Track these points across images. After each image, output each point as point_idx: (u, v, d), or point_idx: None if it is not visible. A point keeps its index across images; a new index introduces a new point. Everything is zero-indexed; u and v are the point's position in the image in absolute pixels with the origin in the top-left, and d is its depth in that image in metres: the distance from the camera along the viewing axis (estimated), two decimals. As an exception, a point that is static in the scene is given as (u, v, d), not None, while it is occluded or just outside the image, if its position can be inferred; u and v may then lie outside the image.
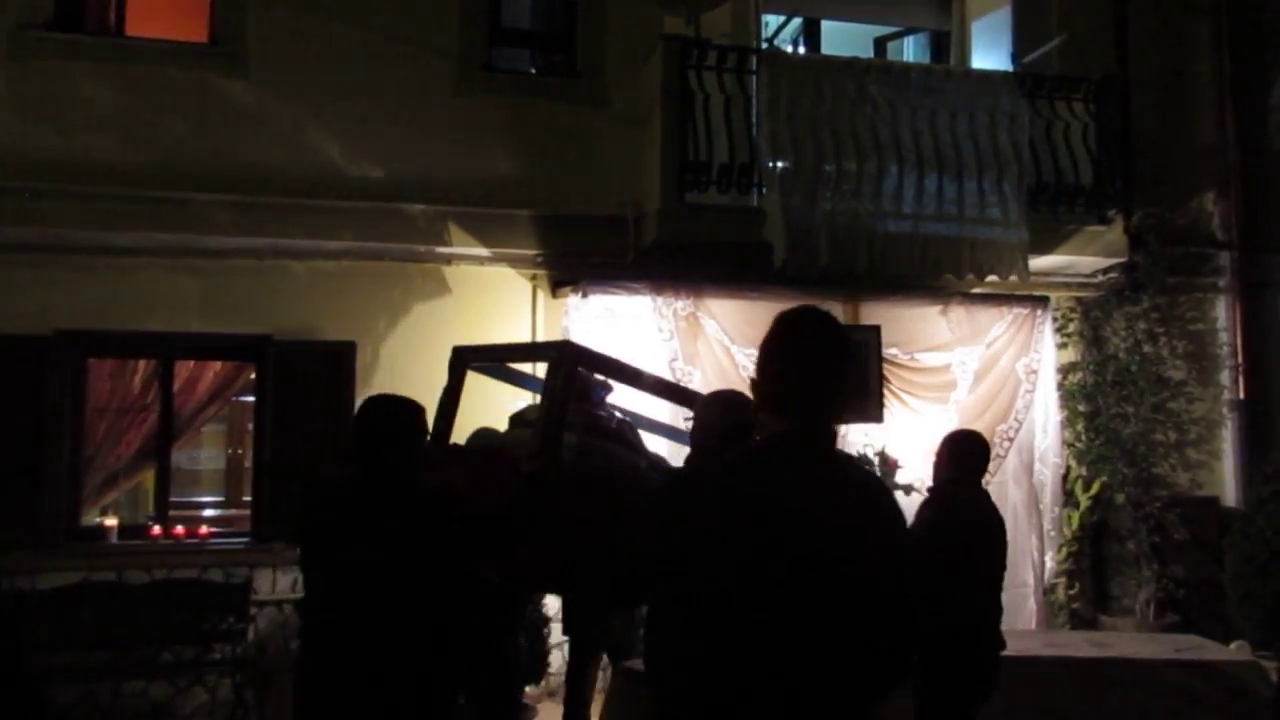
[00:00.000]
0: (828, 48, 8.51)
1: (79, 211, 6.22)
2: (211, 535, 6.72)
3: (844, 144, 6.72)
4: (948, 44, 8.51)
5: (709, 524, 2.05)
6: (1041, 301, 7.52)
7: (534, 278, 7.04)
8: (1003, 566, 4.38)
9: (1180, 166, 8.15)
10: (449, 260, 6.91)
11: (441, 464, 3.97)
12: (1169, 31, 8.28)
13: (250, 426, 7.18)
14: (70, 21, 6.57)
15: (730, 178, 6.62)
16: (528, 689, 6.16)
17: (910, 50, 8.95)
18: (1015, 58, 7.85)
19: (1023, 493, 7.26)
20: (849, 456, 2.30)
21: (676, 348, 6.78)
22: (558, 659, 6.59)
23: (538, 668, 6.36)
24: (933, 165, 6.84)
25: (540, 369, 5.35)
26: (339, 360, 6.67)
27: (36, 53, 6.40)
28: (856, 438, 6.89)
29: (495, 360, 5.61)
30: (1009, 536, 4.45)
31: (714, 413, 3.66)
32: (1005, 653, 4.29)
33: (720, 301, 6.84)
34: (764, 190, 6.69)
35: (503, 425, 5.04)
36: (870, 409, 6.93)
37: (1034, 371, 7.38)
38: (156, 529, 6.56)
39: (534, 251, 6.96)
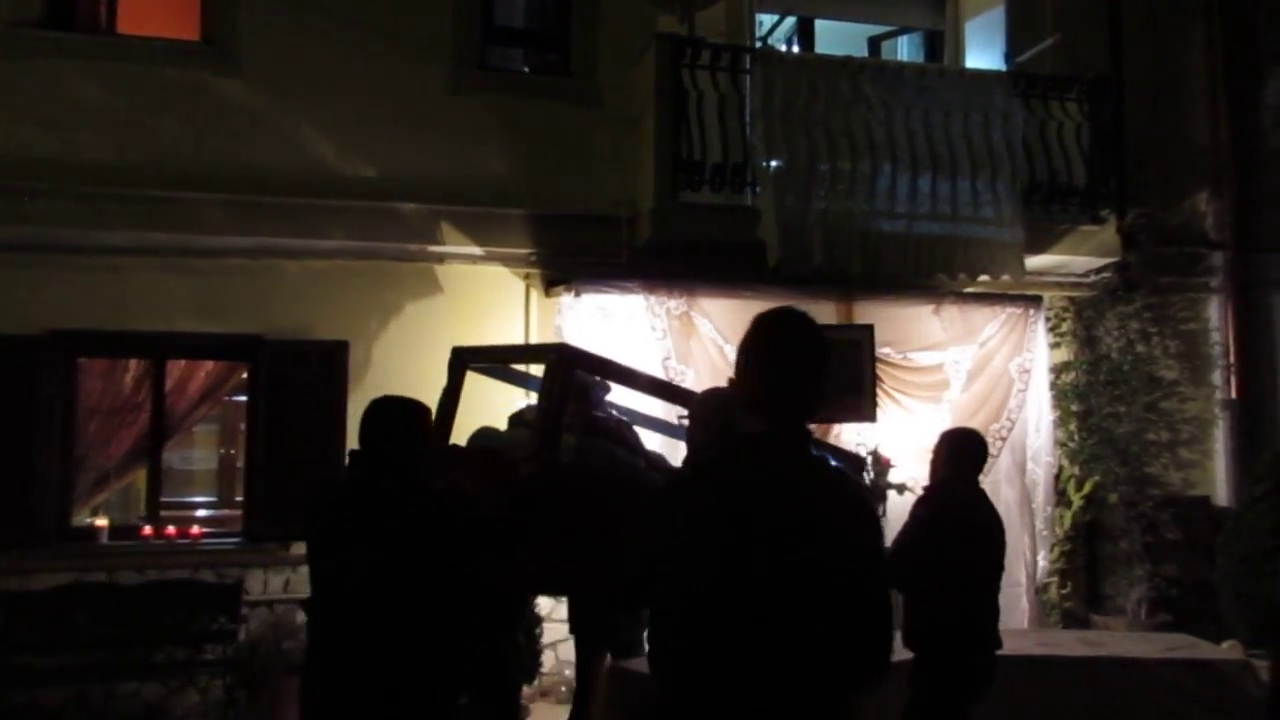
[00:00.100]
0: (822, 47, 8.51)
1: (70, 210, 6.19)
2: (203, 536, 6.70)
3: (838, 143, 6.72)
4: (942, 43, 8.52)
5: (687, 523, 2.10)
6: (1034, 301, 7.54)
7: (527, 277, 7.03)
8: (1000, 566, 4.39)
9: (1173, 166, 8.16)
10: (442, 259, 6.89)
11: (443, 465, 3.98)
12: (1162, 31, 8.29)
13: (242, 426, 7.15)
14: (61, 20, 6.53)
15: (724, 177, 6.61)
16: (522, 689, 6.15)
17: (904, 50, 8.96)
18: (1009, 57, 7.85)
19: (1015, 492, 7.28)
20: (823, 458, 2.32)
21: (670, 347, 6.78)
22: (551, 659, 6.60)
23: (530, 667, 6.35)
24: (926, 165, 6.84)
25: (539, 369, 5.35)
26: (332, 360, 6.66)
27: (27, 51, 6.36)
28: (850, 437, 6.89)
29: (494, 361, 5.62)
30: (1002, 536, 4.46)
31: (712, 411, 3.66)
32: (998, 652, 4.29)
33: (714, 301, 6.84)
34: (758, 189, 6.69)
35: (503, 425, 5.04)
36: (864, 408, 6.93)
37: (1027, 371, 7.40)
38: (148, 529, 6.54)
39: (527, 250, 6.94)
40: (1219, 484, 7.98)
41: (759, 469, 2.12)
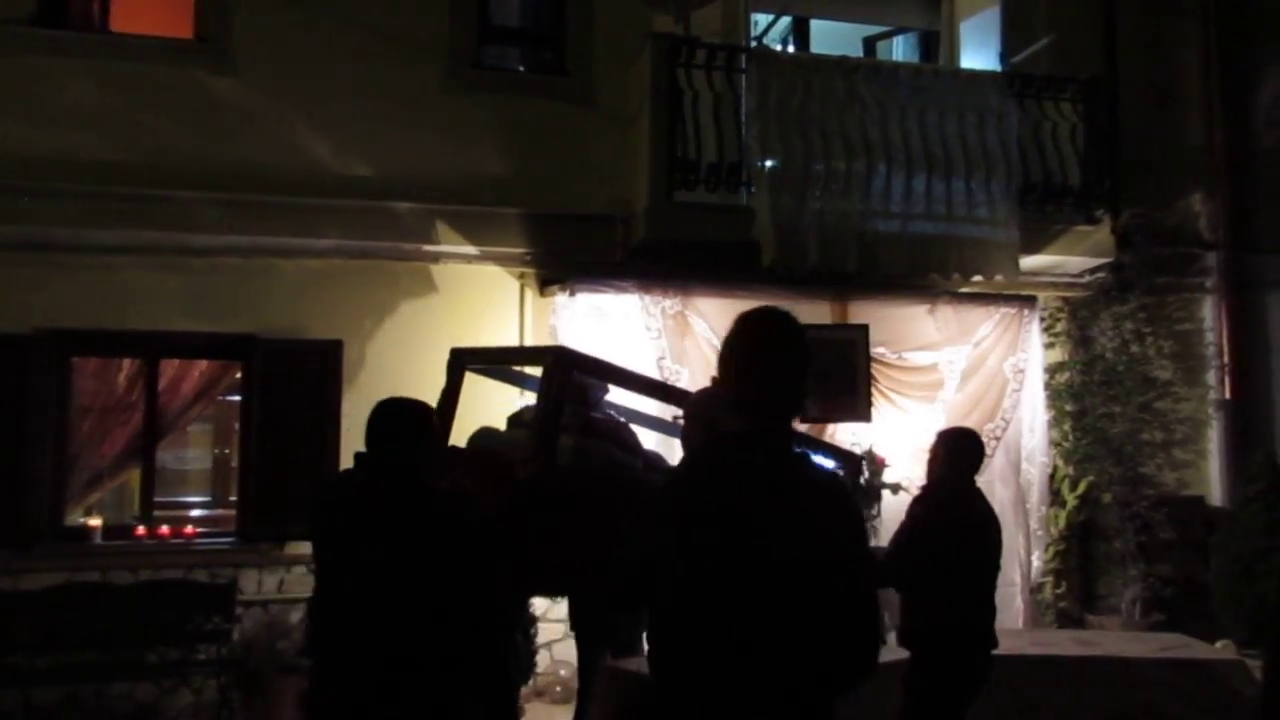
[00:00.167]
0: (817, 47, 8.52)
1: (63, 209, 6.17)
2: (197, 535, 6.67)
3: (833, 143, 6.72)
4: (937, 44, 8.53)
5: (672, 522, 2.11)
6: (1029, 301, 7.54)
7: (522, 276, 7.02)
8: (996, 565, 4.39)
9: (1168, 167, 8.18)
10: (437, 259, 6.88)
11: (444, 466, 3.98)
12: (1156, 32, 8.30)
13: (237, 426, 7.14)
14: (54, 17, 6.50)
15: (719, 176, 6.61)
16: (515, 689, 6.15)
17: (899, 50, 8.96)
18: (1004, 58, 7.86)
19: (1010, 492, 7.28)
20: (806, 455, 2.32)
21: (665, 346, 6.77)
22: (546, 659, 6.59)
23: (526, 667, 6.34)
24: (921, 165, 6.85)
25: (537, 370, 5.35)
26: (326, 359, 6.64)
27: (19, 49, 6.33)
28: (845, 436, 6.89)
29: (492, 363, 5.63)
30: (997, 535, 4.46)
31: (706, 410, 3.65)
32: (994, 651, 4.30)
33: (708, 300, 6.83)
34: (753, 189, 6.69)
35: (501, 425, 5.04)
36: (858, 408, 6.94)
37: (1021, 371, 7.40)
38: (142, 529, 6.52)
39: (522, 250, 6.93)
40: (1213, 484, 8.00)
41: (741, 467, 2.12)
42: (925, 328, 7.31)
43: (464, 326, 6.66)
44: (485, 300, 6.93)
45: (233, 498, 7.07)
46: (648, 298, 6.80)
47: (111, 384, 6.71)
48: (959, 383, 7.31)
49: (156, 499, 6.79)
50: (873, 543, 6.43)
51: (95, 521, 6.48)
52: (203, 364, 6.84)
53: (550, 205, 6.93)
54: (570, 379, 4.37)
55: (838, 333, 7.02)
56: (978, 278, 7.11)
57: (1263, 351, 8.05)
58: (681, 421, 4.17)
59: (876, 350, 7.09)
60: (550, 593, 5.78)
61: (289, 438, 6.49)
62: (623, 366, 4.94)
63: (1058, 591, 7.52)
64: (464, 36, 7.05)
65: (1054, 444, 7.65)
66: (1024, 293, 7.58)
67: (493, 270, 6.97)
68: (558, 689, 6.46)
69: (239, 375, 6.82)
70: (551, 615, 6.51)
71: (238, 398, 7.02)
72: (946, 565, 4.17)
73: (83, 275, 6.36)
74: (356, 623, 3.04)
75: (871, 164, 6.76)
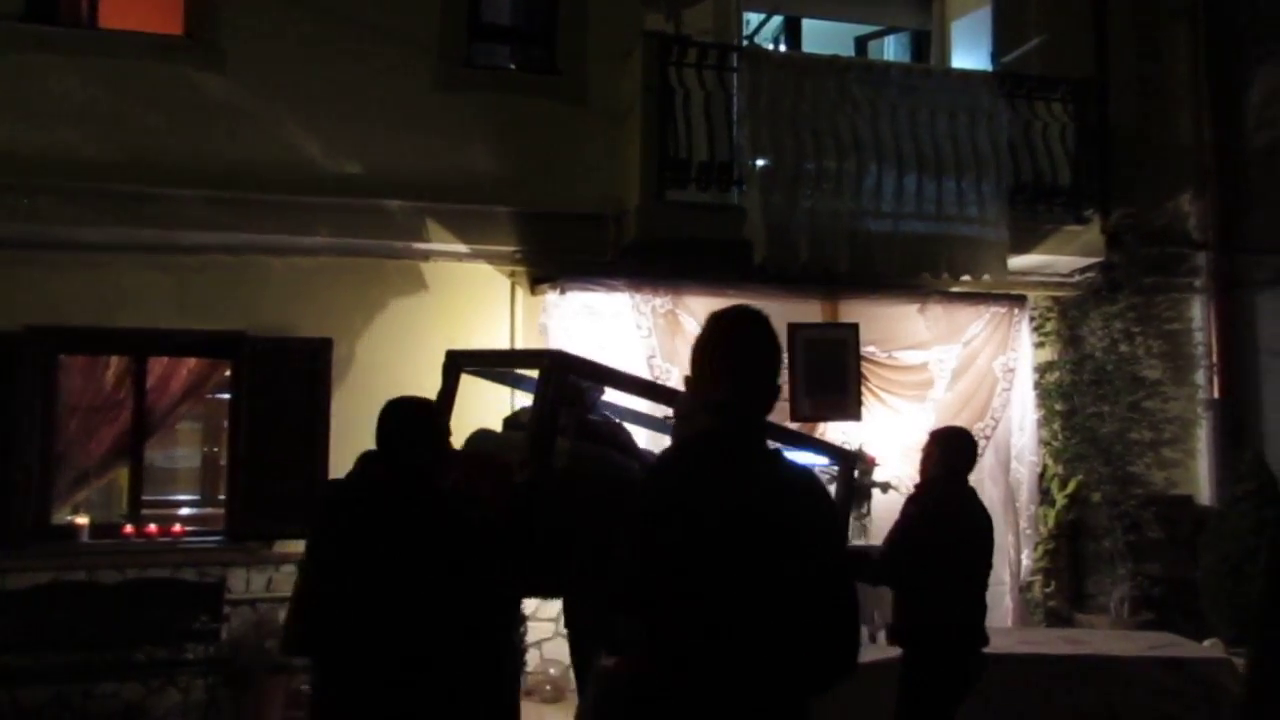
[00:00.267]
0: (809, 46, 8.53)
1: (51, 206, 6.13)
2: (185, 534, 6.65)
3: (824, 142, 6.72)
4: (928, 43, 8.55)
5: (641, 521, 2.12)
6: (1019, 300, 7.56)
7: (512, 274, 7.01)
8: (989, 564, 4.42)
9: (1158, 167, 8.20)
10: (427, 256, 6.86)
11: (445, 467, 3.99)
12: (1147, 33, 8.33)
13: (225, 424, 7.11)
14: (42, 13, 6.47)
15: (710, 175, 6.61)
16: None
17: (891, 50, 8.98)
18: (995, 57, 7.88)
19: (999, 491, 7.29)
20: (779, 452, 2.32)
21: (655, 345, 6.77)
22: (535, 658, 6.58)
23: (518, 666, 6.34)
24: (912, 164, 6.85)
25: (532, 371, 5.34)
26: (315, 357, 6.61)
27: (7, 45, 6.29)
28: (835, 435, 6.90)
29: (488, 365, 5.62)
30: (987, 534, 4.47)
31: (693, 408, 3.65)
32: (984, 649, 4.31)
33: (699, 299, 6.82)
34: (744, 188, 6.68)
35: (496, 427, 5.03)
36: (849, 407, 6.95)
37: (1011, 370, 7.42)
38: (129, 528, 6.48)
39: (513, 248, 6.92)
40: (1201, 483, 8.02)
41: (711, 465, 2.12)
42: (915, 327, 7.33)
43: (454, 325, 6.64)
44: (476, 298, 6.91)
45: (221, 496, 7.04)
46: (638, 296, 6.80)
47: (100, 382, 6.67)
48: (949, 382, 7.33)
49: (144, 497, 6.76)
50: (863, 541, 6.46)
51: (83, 520, 6.44)
52: (191, 362, 6.81)
53: (541, 204, 6.91)
54: (566, 383, 4.38)
55: (828, 331, 7.03)
56: (967, 277, 7.12)
57: (1251, 351, 8.07)
58: (672, 421, 4.17)
59: (867, 349, 7.10)
60: (549, 594, 5.78)
61: (278, 436, 6.47)
62: (619, 370, 4.94)
63: (1047, 590, 7.54)
64: (455, 34, 7.02)
65: (1043, 443, 7.66)
66: (1014, 292, 7.59)
67: (483, 268, 6.96)
68: (548, 688, 6.46)
69: (228, 373, 6.79)
70: (542, 614, 6.50)
71: (227, 396, 6.98)
72: (942, 564, 4.19)
73: (71, 272, 6.32)
74: (365, 622, 3.03)
75: (862, 163, 6.76)
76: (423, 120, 6.83)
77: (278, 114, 6.61)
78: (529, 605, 6.44)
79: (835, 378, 6.86)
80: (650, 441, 5.39)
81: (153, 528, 6.54)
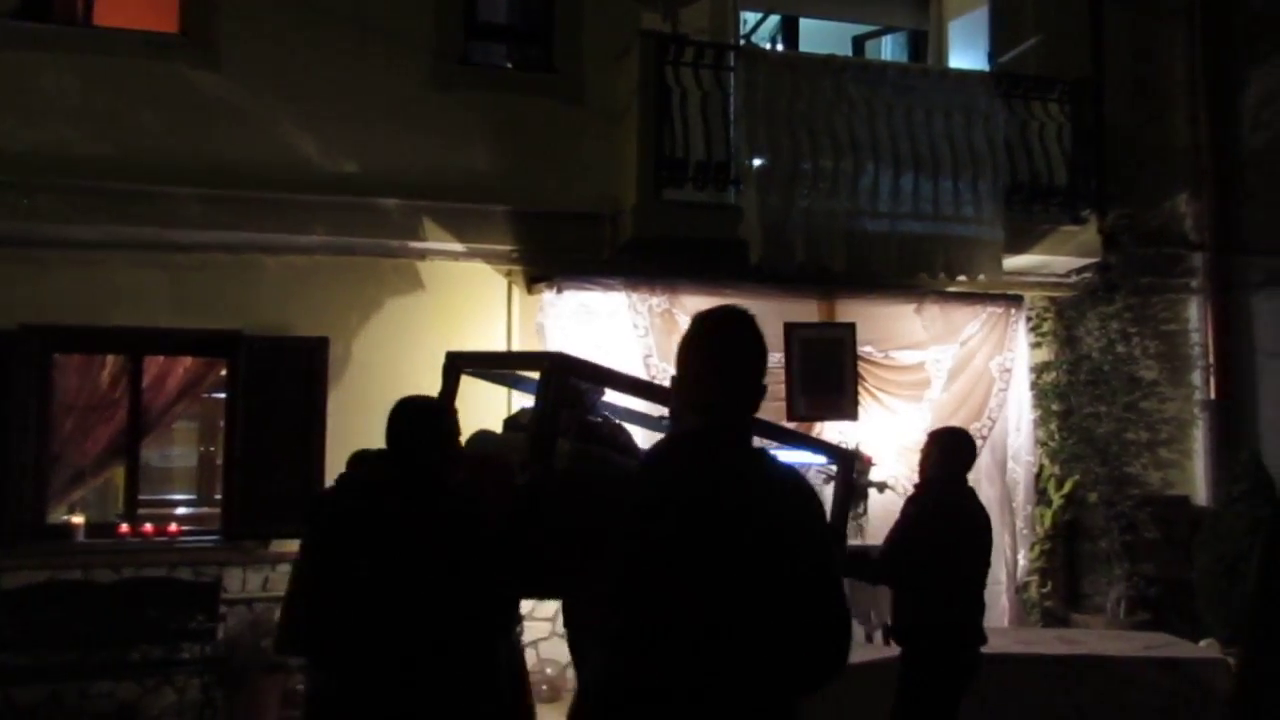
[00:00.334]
0: (806, 46, 8.53)
1: (46, 204, 6.12)
2: (181, 533, 6.63)
3: (821, 142, 6.72)
4: (925, 43, 8.54)
5: (628, 521, 2.13)
6: (1015, 300, 7.56)
7: (509, 273, 7.00)
8: (987, 563, 4.43)
9: (1154, 167, 8.21)
10: (423, 255, 6.85)
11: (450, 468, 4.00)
12: (1143, 34, 8.34)
13: (221, 423, 7.10)
14: (37, 10, 6.45)
15: (707, 175, 6.60)
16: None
17: (888, 49, 8.97)
18: (992, 58, 7.88)
19: (996, 491, 7.30)
20: (764, 451, 2.31)
21: (652, 344, 6.77)
22: (532, 657, 6.57)
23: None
24: (909, 164, 6.85)
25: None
26: (311, 356, 6.60)
27: (1, 42, 6.26)
28: (831, 435, 6.90)
29: (487, 367, 5.61)
30: (984, 535, 4.48)
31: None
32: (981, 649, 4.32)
33: (696, 298, 6.81)
34: (740, 187, 6.68)
35: (496, 428, 5.02)
36: (845, 406, 6.95)
37: (1008, 370, 7.42)
38: (125, 527, 6.47)
39: (509, 247, 6.91)
40: (1198, 484, 8.04)
41: (696, 464, 2.12)
42: (912, 326, 7.33)
43: (451, 324, 6.64)
44: (472, 297, 6.91)
45: (217, 495, 7.03)
46: (635, 295, 6.80)
47: (95, 381, 6.66)
48: (945, 382, 7.33)
49: (140, 497, 6.74)
50: (860, 541, 6.46)
51: (78, 519, 6.43)
52: (187, 361, 6.80)
53: (538, 203, 6.91)
54: (567, 385, 4.38)
55: (825, 331, 7.03)
56: (963, 277, 7.13)
57: (1247, 352, 8.08)
58: (668, 421, 4.18)
59: (863, 349, 7.10)
60: (549, 594, 5.78)
61: (274, 435, 6.46)
62: (619, 371, 4.95)
63: (1043, 590, 7.55)
64: (451, 33, 7.01)
65: (1040, 443, 7.67)
66: (1010, 292, 7.60)
67: (480, 267, 6.95)
68: (544, 687, 6.45)
69: (224, 372, 6.78)
70: (538, 614, 6.50)
71: (223, 395, 6.98)
72: (941, 563, 4.20)
73: (66, 271, 6.30)
74: (371, 621, 3.02)
75: (859, 163, 6.76)
76: (419, 119, 6.81)
77: (273, 112, 6.60)
78: (524, 605, 6.43)
79: (832, 377, 6.86)
80: (649, 442, 5.39)
81: (148, 527, 6.53)
